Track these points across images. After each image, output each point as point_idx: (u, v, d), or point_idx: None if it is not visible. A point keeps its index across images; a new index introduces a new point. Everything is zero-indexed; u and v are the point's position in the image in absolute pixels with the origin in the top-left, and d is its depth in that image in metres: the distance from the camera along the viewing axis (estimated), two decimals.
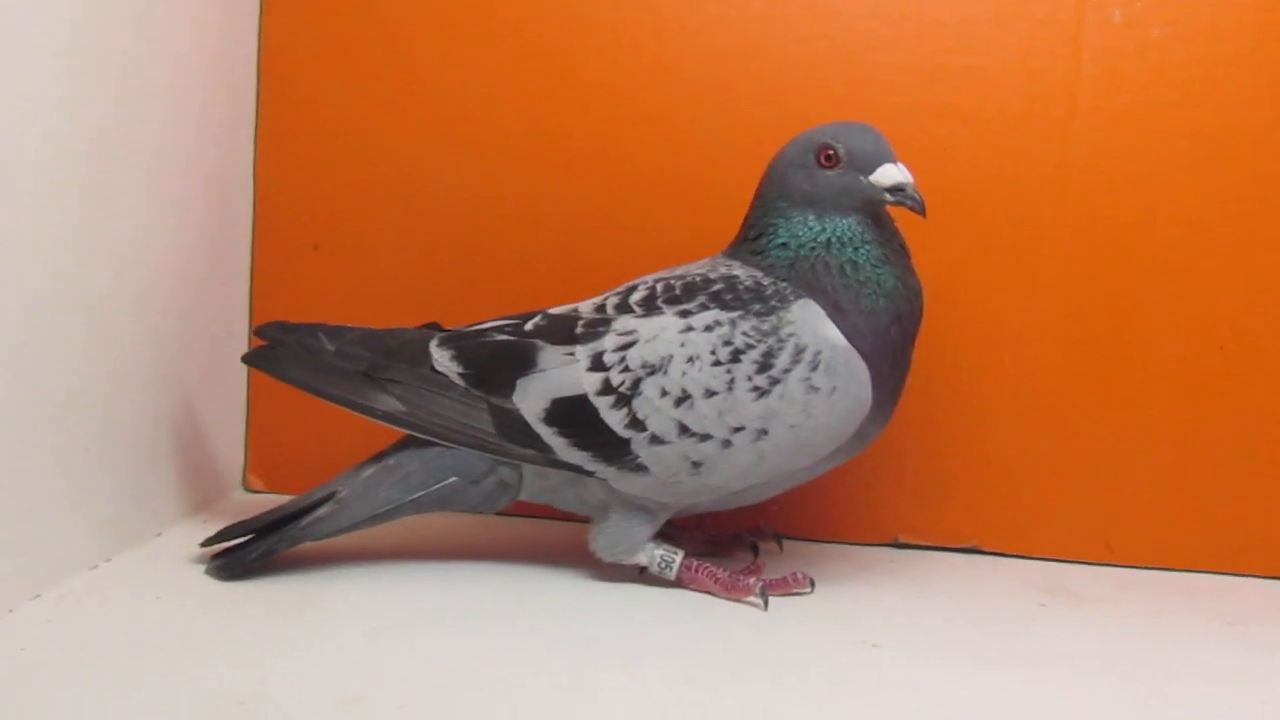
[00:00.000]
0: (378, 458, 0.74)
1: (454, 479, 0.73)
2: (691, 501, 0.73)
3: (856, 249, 0.70)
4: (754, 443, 0.68)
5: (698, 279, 0.72)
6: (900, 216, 0.73)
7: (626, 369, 0.69)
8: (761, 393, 0.68)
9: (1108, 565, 0.86)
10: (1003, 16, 0.85)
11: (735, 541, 0.82)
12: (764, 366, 0.68)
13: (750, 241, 0.74)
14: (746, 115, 0.87)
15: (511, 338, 0.72)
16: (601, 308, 0.73)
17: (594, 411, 0.69)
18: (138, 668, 0.57)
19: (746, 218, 0.75)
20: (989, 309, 0.86)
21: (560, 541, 0.81)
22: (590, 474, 0.71)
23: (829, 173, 0.71)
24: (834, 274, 0.70)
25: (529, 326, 0.73)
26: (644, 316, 0.71)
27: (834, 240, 0.71)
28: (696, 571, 0.73)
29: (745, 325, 0.69)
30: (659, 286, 0.72)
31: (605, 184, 0.88)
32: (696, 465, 0.69)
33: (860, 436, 0.72)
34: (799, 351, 0.68)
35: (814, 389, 0.68)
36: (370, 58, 0.90)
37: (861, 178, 0.70)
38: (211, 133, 0.85)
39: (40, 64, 0.63)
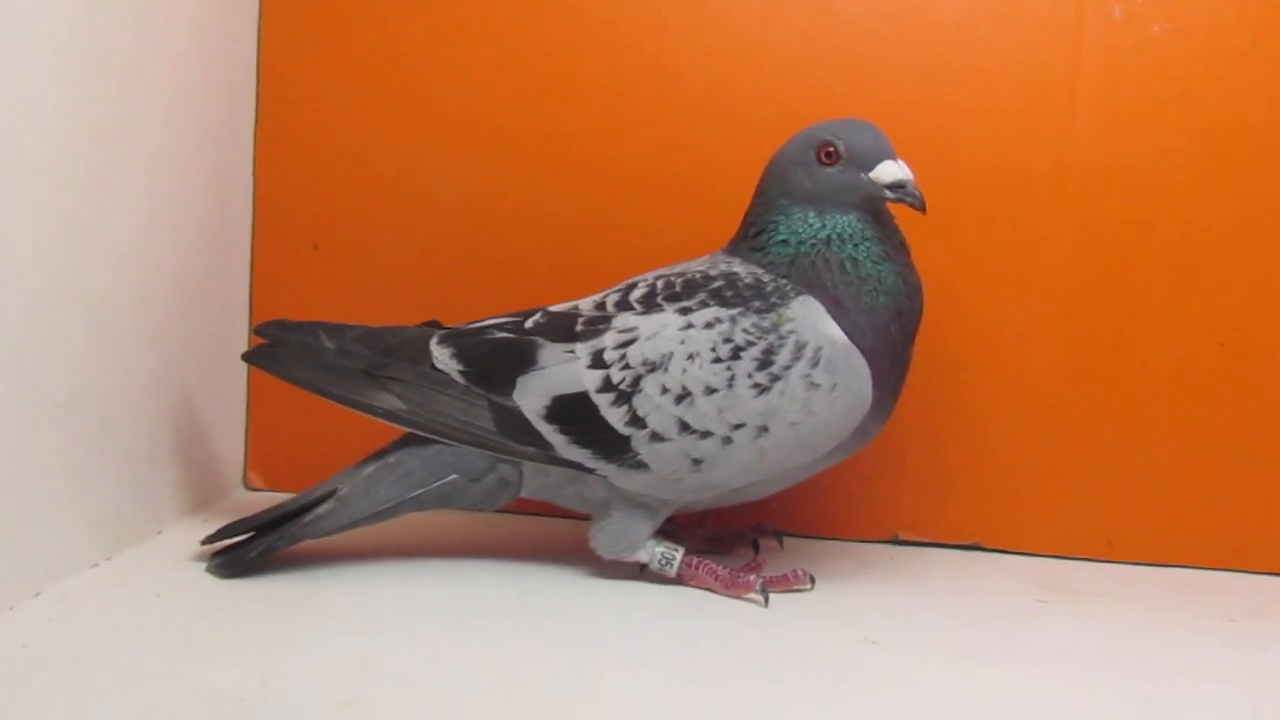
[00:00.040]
0: (378, 455, 0.74)
1: (454, 476, 0.73)
2: (692, 499, 0.73)
3: (857, 246, 0.70)
4: (754, 440, 0.68)
5: (698, 276, 0.72)
6: (900, 213, 0.73)
7: (627, 366, 0.69)
8: (762, 390, 0.68)
9: (1108, 562, 0.86)
10: (1003, 13, 0.85)
11: (736, 539, 0.82)
12: (764, 363, 0.68)
13: (750, 238, 0.74)
14: (746, 114, 0.87)
15: (512, 335, 0.72)
16: (602, 305, 0.73)
17: (594, 409, 0.69)
18: (138, 666, 0.57)
19: (747, 215, 0.75)
20: (989, 305, 0.86)
21: (561, 539, 0.81)
22: (591, 471, 0.71)
23: (829, 170, 0.71)
24: (834, 271, 0.70)
25: (529, 324, 0.73)
26: (644, 314, 0.71)
27: (834, 237, 0.71)
28: (697, 569, 0.73)
29: (746, 322, 0.69)
30: (659, 284, 0.72)
31: (605, 183, 0.88)
32: (697, 462, 0.69)
33: (861, 433, 0.72)
34: (799, 348, 0.68)
35: (814, 386, 0.68)
36: (370, 57, 0.90)
37: (862, 175, 0.70)
38: (211, 132, 0.85)
39: (40, 64, 0.64)
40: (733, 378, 0.68)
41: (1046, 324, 0.86)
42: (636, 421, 0.69)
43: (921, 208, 0.69)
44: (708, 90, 0.87)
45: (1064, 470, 0.86)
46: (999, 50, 0.85)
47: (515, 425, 0.70)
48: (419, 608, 0.68)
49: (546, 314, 0.73)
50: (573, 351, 0.70)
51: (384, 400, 0.72)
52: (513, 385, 0.71)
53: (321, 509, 0.72)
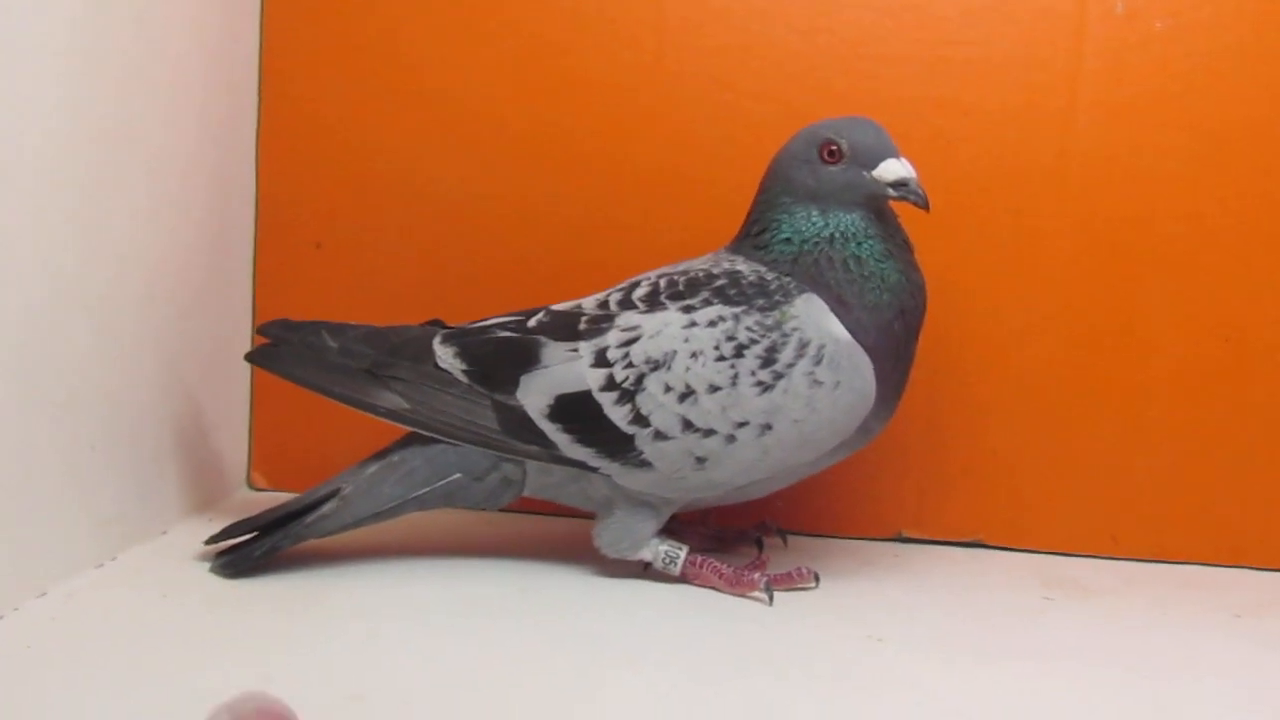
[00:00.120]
0: (381, 455, 0.74)
1: (458, 475, 0.73)
2: (696, 497, 0.73)
3: (860, 244, 0.70)
4: (758, 438, 0.68)
5: (701, 274, 0.72)
6: (901, 210, 0.73)
7: (630, 365, 0.69)
8: (765, 387, 0.68)
9: (1113, 558, 0.86)
10: (1005, 8, 0.85)
11: (740, 537, 0.82)
12: (768, 361, 0.68)
13: (754, 236, 0.74)
14: (748, 111, 0.87)
15: (515, 334, 0.72)
16: (605, 304, 0.73)
17: (598, 407, 0.69)
18: (143, 665, 0.57)
19: (750, 213, 0.75)
20: (992, 303, 0.86)
21: (564, 537, 0.81)
22: (594, 470, 0.71)
23: (832, 168, 0.71)
24: (837, 269, 0.70)
25: (532, 323, 0.73)
26: (647, 312, 0.71)
27: (837, 235, 0.70)
28: (701, 567, 0.73)
29: (749, 320, 0.69)
30: (662, 282, 0.72)
31: (607, 181, 0.88)
32: (700, 461, 0.69)
33: (864, 431, 0.71)
34: (803, 346, 0.68)
35: (818, 383, 0.68)
36: (372, 55, 0.90)
37: (865, 173, 0.70)
38: (213, 132, 0.85)
39: (40, 64, 0.63)
40: (736, 376, 0.68)
41: (1049, 321, 0.86)
42: (640, 420, 0.69)
43: (925, 206, 0.69)
44: (709, 87, 0.87)
45: (1067, 467, 0.86)
46: (1000, 46, 0.85)
47: (518, 424, 0.70)
48: (422, 606, 0.68)
49: (549, 313, 0.73)
50: (576, 350, 0.70)
51: (387, 399, 0.72)
52: (516, 384, 0.71)
53: (325, 508, 0.72)
